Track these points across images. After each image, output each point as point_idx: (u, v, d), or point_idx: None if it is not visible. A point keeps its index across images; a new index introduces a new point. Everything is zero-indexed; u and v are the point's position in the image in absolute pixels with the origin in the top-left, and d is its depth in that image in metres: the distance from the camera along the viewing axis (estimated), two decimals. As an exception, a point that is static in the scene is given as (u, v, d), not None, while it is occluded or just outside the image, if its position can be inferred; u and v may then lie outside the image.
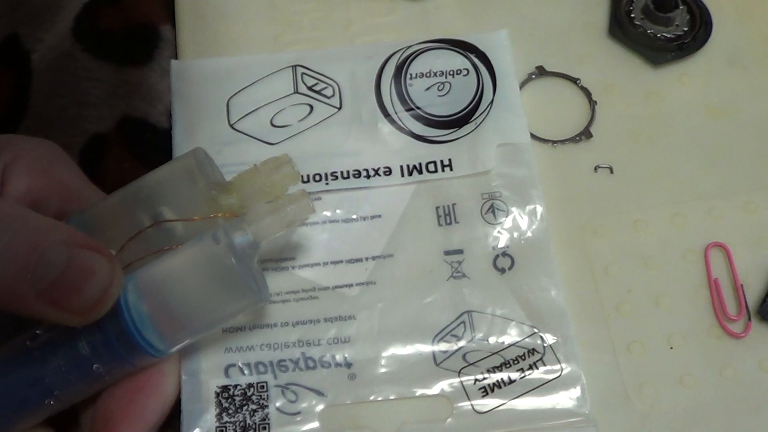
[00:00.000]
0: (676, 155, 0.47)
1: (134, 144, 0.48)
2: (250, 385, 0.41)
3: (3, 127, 0.45)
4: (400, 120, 0.46)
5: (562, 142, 0.47)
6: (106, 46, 0.50)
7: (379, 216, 0.45)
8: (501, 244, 0.44)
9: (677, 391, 0.42)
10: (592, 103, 0.48)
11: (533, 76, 0.48)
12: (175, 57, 0.49)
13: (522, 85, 0.48)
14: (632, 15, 0.50)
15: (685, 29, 0.50)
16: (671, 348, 0.43)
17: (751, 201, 0.46)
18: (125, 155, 0.47)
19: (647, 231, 0.45)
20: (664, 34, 0.49)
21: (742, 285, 0.44)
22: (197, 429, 0.40)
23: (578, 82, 0.49)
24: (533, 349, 0.42)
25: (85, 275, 0.34)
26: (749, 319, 0.43)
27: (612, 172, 0.46)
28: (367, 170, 0.45)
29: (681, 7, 0.50)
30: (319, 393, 0.41)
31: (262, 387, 0.41)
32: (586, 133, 0.47)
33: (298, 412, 0.41)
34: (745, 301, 0.43)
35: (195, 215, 0.38)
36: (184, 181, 0.39)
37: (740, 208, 0.45)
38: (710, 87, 0.49)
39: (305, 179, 0.44)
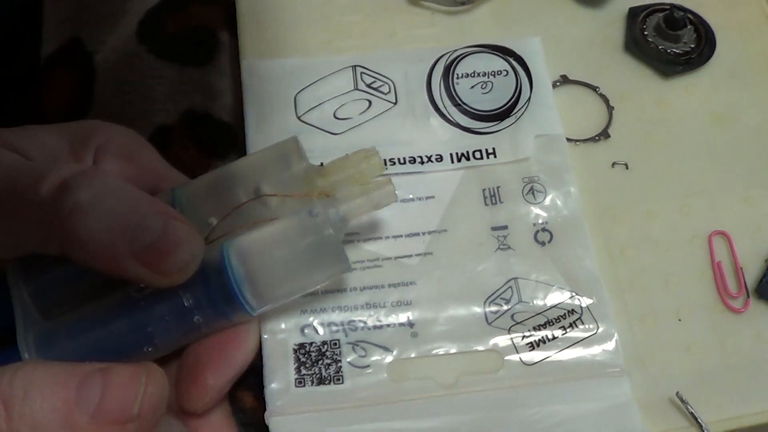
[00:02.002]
0: (683, 155, 0.51)
1: (197, 135, 0.51)
2: (324, 342, 0.44)
3: (68, 121, 0.47)
4: (449, 114, 0.51)
5: (584, 141, 0.51)
6: (169, 47, 0.54)
7: (433, 197, 0.48)
8: (540, 221, 0.48)
9: (684, 357, 0.45)
10: (610, 109, 0.52)
11: (558, 84, 0.53)
12: (233, 60, 0.53)
13: (549, 91, 0.52)
14: (646, 32, 0.54)
15: (692, 46, 0.54)
16: (679, 320, 0.46)
17: (750, 196, 0.49)
18: (189, 144, 0.51)
19: (658, 219, 0.49)
20: (674, 50, 0.54)
21: (741, 267, 0.47)
22: (278, 380, 0.43)
23: (597, 89, 0.53)
24: (572, 310, 0.46)
25: (176, 242, 0.36)
26: (748, 296, 0.46)
27: (627, 168, 0.50)
28: (421, 157, 0.49)
29: (689, 27, 0.54)
30: (386, 349, 0.44)
31: (335, 344, 0.44)
32: (604, 134, 0.52)
33: (368, 366, 0.44)
34: (745, 282, 0.47)
35: (292, 192, 0.42)
36: (283, 163, 0.43)
37: (740, 201, 0.49)
38: (714, 97, 0.53)
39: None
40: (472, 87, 0.52)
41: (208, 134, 0.52)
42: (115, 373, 0.35)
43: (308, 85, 0.51)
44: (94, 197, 0.36)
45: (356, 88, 0.51)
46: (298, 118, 0.50)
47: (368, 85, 0.51)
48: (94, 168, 0.42)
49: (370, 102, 0.51)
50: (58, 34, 0.57)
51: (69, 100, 0.55)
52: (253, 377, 0.44)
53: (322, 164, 0.46)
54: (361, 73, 0.52)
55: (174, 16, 0.55)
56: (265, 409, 0.43)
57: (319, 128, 0.50)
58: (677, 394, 0.44)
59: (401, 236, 0.47)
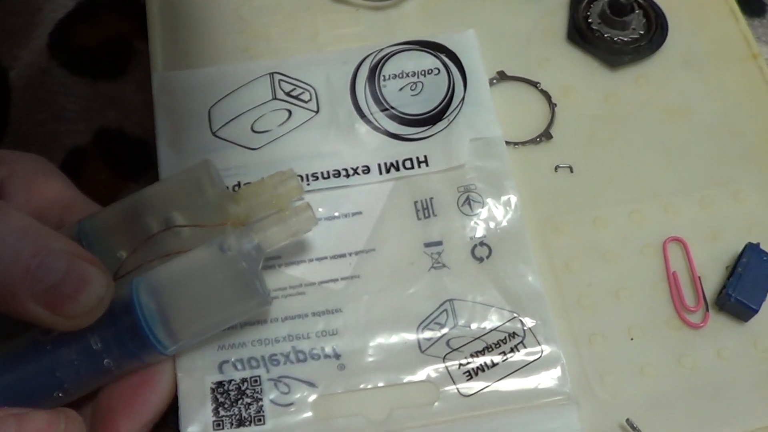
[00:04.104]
0: (633, 154, 0.48)
1: (111, 155, 0.49)
2: (243, 380, 0.42)
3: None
4: (376, 120, 0.48)
5: (524, 143, 0.48)
6: (81, 61, 0.52)
7: (360, 213, 0.46)
8: (478, 234, 0.45)
9: (638, 380, 0.42)
10: (552, 106, 0.49)
11: (495, 81, 0.49)
12: (149, 71, 0.50)
13: (484, 89, 0.49)
14: (589, 20, 0.51)
15: (641, 32, 0.51)
16: (632, 339, 0.43)
17: (706, 196, 0.47)
18: (102, 167, 0.49)
19: (606, 227, 0.46)
20: (621, 38, 0.50)
21: (699, 277, 0.44)
22: (195, 423, 0.41)
23: (538, 85, 0.50)
24: (514, 333, 0.43)
25: (82, 284, 0.36)
26: (707, 309, 0.44)
27: (572, 171, 0.47)
28: (346, 170, 0.46)
29: (637, 12, 0.51)
30: (311, 384, 0.42)
31: (256, 381, 0.42)
32: (546, 135, 0.48)
33: (292, 403, 0.41)
34: (703, 293, 0.44)
35: (204, 222, 0.40)
36: (195, 189, 0.41)
37: (696, 203, 0.47)
38: (666, 88, 0.50)
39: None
40: (401, 89, 0.48)
41: (122, 154, 0.49)
42: (29, 420, 0.34)
43: (223, 97, 0.48)
44: None
45: (275, 98, 0.48)
46: (213, 133, 0.47)
47: (287, 94, 0.48)
48: None
49: (290, 112, 0.48)
50: None
51: None
52: (173, 416, 0.42)
53: (239, 184, 0.45)
54: (280, 80, 0.49)
55: (85, 26, 0.53)
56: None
57: (236, 143, 0.47)
58: (627, 420, 0.41)
59: (326, 258, 0.45)
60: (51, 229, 0.37)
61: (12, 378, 0.37)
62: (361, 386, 0.42)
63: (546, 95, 0.49)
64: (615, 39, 0.50)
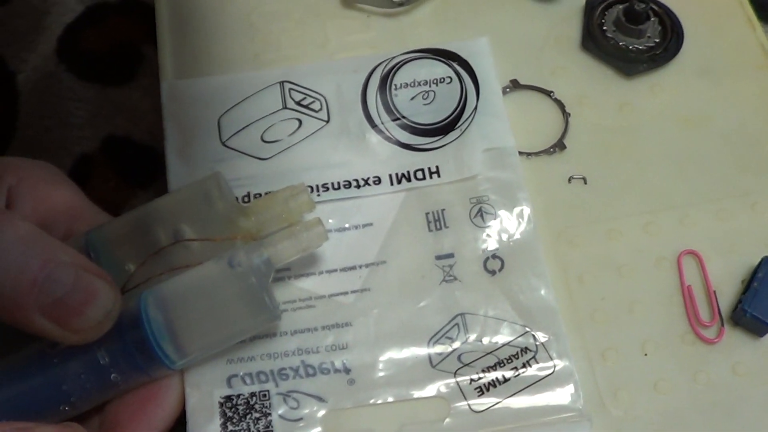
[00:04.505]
0: (648, 165, 0.47)
1: (119, 162, 0.48)
2: (252, 394, 0.41)
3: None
4: (387, 130, 0.47)
5: (537, 154, 0.47)
6: (89, 66, 0.51)
7: (371, 224, 0.45)
8: (491, 247, 0.44)
9: (651, 396, 0.42)
10: (566, 115, 0.48)
11: (507, 90, 0.49)
12: (158, 77, 0.49)
13: (497, 98, 0.48)
14: (604, 27, 0.50)
15: (657, 41, 0.50)
16: (645, 354, 0.43)
17: (722, 209, 0.46)
18: (110, 175, 0.48)
19: (620, 240, 0.45)
20: (636, 46, 0.50)
21: (714, 291, 0.44)
22: None
23: (552, 94, 0.49)
24: (526, 348, 0.42)
25: (90, 297, 0.35)
26: (722, 324, 0.43)
27: (586, 182, 0.47)
28: (357, 180, 0.46)
29: (652, 19, 0.50)
30: (320, 399, 0.41)
31: (264, 395, 0.42)
32: (560, 145, 0.47)
33: (301, 419, 0.41)
34: (718, 307, 0.43)
35: (214, 236, 0.40)
36: (204, 202, 0.41)
37: (712, 215, 0.46)
38: (682, 97, 0.49)
39: (297, 191, 0.45)
40: (413, 98, 0.48)
41: (130, 161, 0.49)
42: None
43: (233, 106, 0.48)
44: (1, 246, 0.35)
45: (285, 107, 0.47)
46: (223, 143, 0.47)
47: (298, 103, 0.48)
48: (4, 212, 0.40)
49: (300, 121, 0.47)
50: None
51: None
52: (181, 428, 0.42)
53: (248, 194, 0.45)
54: (290, 89, 0.48)
55: (94, 30, 0.52)
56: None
57: (246, 153, 0.47)
58: None
59: (336, 270, 0.44)
60: (58, 241, 0.37)
61: (18, 390, 0.37)
62: (371, 401, 0.41)
63: (559, 104, 0.48)
64: (630, 47, 0.49)
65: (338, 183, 0.46)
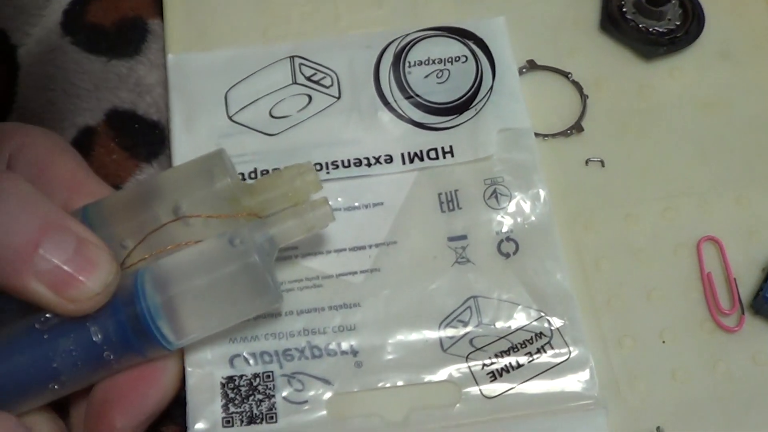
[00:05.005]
0: (667, 149, 0.46)
1: (122, 136, 0.47)
2: (255, 375, 0.41)
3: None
4: (400, 108, 0.46)
5: (553, 135, 0.47)
6: (95, 39, 0.50)
7: (381, 203, 0.44)
8: (505, 229, 0.44)
9: (669, 385, 0.41)
10: (584, 97, 0.48)
11: (524, 70, 0.48)
12: (163, 52, 0.49)
13: (513, 78, 0.48)
14: (624, 9, 0.49)
15: (677, 23, 0.49)
16: (663, 342, 0.42)
17: (743, 195, 0.45)
18: (114, 147, 0.47)
19: (638, 225, 0.44)
20: (656, 29, 0.49)
21: (735, 279, 0.43)
22: (203, 420, 0.40)
23: (570, 76, 0.48)
24: (540, 333, 0.41)
25: (90, 267, 0.35)
26: (742, 312, 0.42)
27: (603, 165, 0.46)
28: (367, 158, 0.45)
29: (673, 1, 0.49)
30: (326, 381, 0.41)
31: (268, 377, 0.41)
32: (577, 127, 0.47)
33: (305, 401, 0.40)
34: (739, 295, 0.43)
35: (217, 213, 0.39)
36: (207, 179, 0.40)
37: (732, 202, 0.45)
38: (702, 81, 0.48)
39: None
40: (426, 76, 0.47)
41: (135, 135, 0.48)
42: None
43: (241, 81, 0.47)
44: (3, 203, 0.34)
45: (295, 82, 0.47)
46: (230, 117, 0.46)
47: (308, 78, 0.47)
48: (7, 173, 0.39)
49: (310, 97, 0.46)
50: None
51: None
52: (179, 409, 0.41)
53: (255, 170, 0.44)
54: (300, 64, 0.47)
55: (100, 3, 0.51)
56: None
57: (253, 129, 0.46)
58: (658, 428, 0.40)
59: (345, 250, 0.43)
60: (60, 208, 0.36)
61: (6, 367, 0.36)
62: (379, 385, 0.41)
63: (577, 86, 0.48)
64: (650, 29, 0.49)
65: (348, 161, 0.45)
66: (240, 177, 0.44)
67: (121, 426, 0.37)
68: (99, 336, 0.36)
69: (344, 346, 0.41)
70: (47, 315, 0.36)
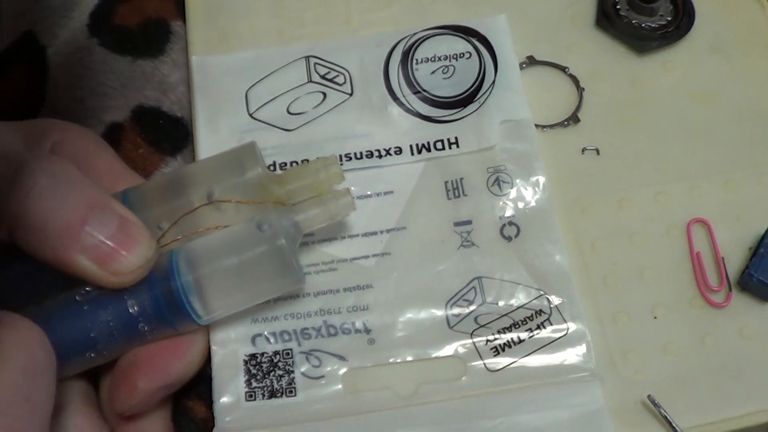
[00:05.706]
0: (659, 138, 0.48)
1: (148, 132, 0.50)
2: (276, 353, 0.43)
3: (21, 119, 0.47)
4: (408, 102, 0.48)
5: (552, 126, 0.48)
6: (121, 40, 0.52)
7: (392, 192, 0.46)
8: (507, 214, 0.45)
9: (661, 358, 0.43)
10: (580, 90, 0.49)
11: (524, 65, 0.50)
12: (185, 52, 0.51)
13: (514, 73, 0.49)
14: (618, 6, 0.51)
15: (669, 19, 0.51)
16: (655, 318, 0.43)
17: (731, 180, 0.47)
18: (141, 142, 0.49)
19: (632, 209, 0.46)
20: (649, 24, 0.50)
21: (723, 258, 0.44)
22: (228, 394, 0.42)
23: (567, 70, 0.50)
24: (540, 310, 0.43)
25: (132, 242, 0.37)
26: (730, 289, 0.44)
27: (598, 154, 0.48)
28: (378, 150, 0.47)
29: None
30: (341, 358, 0.43)
31: (288, 354, 0.43)
32: (573, 118, 0.49)
33: (322, 376, 0.42)
34: (726, 273, 0.44)
35: (247, 199, 0.41)
36: (239, 168, 0.42)
37: (721, 186, 0.46)
38: (693, 73, 0.50)
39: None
40: (433, 72, 0.49)
41: (160, 131, 0.50)
42: None
43: (260, 80, 0.49)
44: (53, 183, 0.36)
45: (310, 81, 0.49)
46: (250, 115, 0.48)
47: (322, 77, 0.49)
48: (56, 156, 0.41)
49: (324, 94, 0.48)
50: (11, 28, 0.55)
51: (21, 98, 0.54)
52: (204, 386, 0.43)
53: (274, 164, 0.46)
54: (315, 63, 0.49)
55: (125, 6, 0.53)
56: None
57: (272, 125, 0.48)
58: (649, 397, 0.41)
59: (357, 236, 0.45)
60: (103, 189, 0.38)
61: (48, 336, 0.37)
62: (390, 360, 0.42)
63: (574, 79, 0.50)
64: (642, 25, 0.50)
65: (361, 153, 0.47)
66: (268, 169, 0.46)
67: (142, 387, 0.39)
68: (135, 308, 0.38)
69: (358, 324, 0.43)
70: (87, 288, 0.38)
